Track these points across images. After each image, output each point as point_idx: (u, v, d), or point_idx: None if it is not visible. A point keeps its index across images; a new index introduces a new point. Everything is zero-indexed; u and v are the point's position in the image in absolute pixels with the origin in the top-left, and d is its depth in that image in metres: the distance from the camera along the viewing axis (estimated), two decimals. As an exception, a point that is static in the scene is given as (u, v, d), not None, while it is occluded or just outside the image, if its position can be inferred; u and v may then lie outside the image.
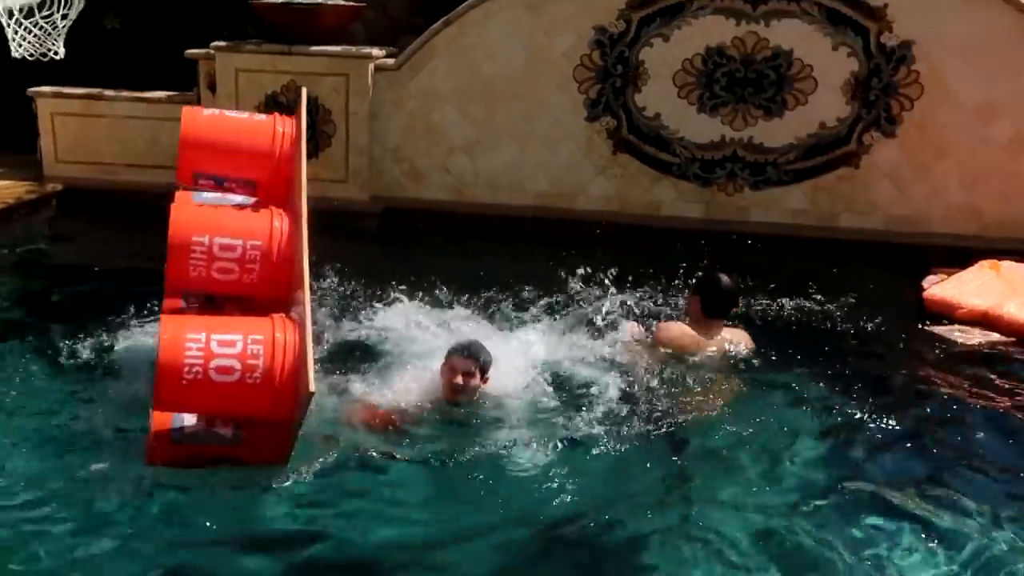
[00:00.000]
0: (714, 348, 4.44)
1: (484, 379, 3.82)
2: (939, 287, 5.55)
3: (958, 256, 6.60)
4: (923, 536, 3.06)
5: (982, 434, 3.95)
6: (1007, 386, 4.48)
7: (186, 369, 2.83)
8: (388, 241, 7.09)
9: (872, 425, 3.93)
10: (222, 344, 2.89)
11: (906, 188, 7.01)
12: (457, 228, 7.16)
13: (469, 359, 3.76)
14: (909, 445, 3.84)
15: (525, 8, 6.99)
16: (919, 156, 6.92)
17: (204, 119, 3.76)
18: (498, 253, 6.54)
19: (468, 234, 7.07)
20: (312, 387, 2.76)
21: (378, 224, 7.31)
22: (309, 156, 7.29)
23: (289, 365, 2.89)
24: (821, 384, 4.34)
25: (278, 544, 2.99)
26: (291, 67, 7.21)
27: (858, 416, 4.00)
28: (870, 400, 4.14)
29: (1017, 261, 5.94)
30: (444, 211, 7.34)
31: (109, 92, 7.72)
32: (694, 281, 4.77)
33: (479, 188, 7.42)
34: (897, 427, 3.93)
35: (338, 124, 7.27)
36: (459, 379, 3.74)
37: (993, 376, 4.60)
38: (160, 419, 3.06)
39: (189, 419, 3.09)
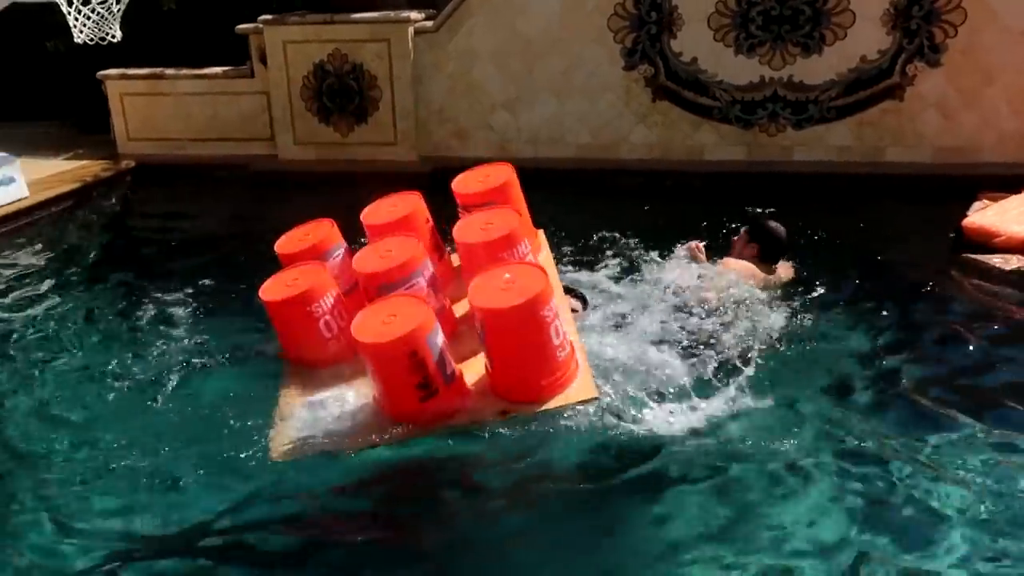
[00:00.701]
0: (774, 281, 4.70)
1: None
2: (979, 215, 5.48)
3: (1012, 184, 6.51)
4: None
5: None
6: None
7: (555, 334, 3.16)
8: (439, 199, 7.34)
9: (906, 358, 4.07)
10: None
11: (954, 117, 6.86)
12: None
13: None
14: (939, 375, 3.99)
15: (556, -39, 7.07)
16: (966, 84, 6.75)
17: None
18: (545, 205, 6.73)
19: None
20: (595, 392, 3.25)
21: (428, 183, 7.56)
22: (359, 122, 7.71)
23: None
24: (864, 319, 4.46)
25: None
26: (335, 35, 7.48)
27: (894, 349, 4.16)
28: (904, 332, 4.32)
29: None
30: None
31: (170, 71, 8.15)
32: (747, 228, 4.87)
33: (522, 143, 7.60)
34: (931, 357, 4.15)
35: (384, 88, 7.53)
36: None
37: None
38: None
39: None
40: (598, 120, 7.43)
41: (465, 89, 7.54)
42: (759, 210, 5.68)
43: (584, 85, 7.36)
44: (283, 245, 3.92)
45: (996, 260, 5.14)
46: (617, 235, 5.47)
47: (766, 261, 4.74)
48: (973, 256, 5.24)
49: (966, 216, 5.58)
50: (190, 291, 5.04)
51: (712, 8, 6.97)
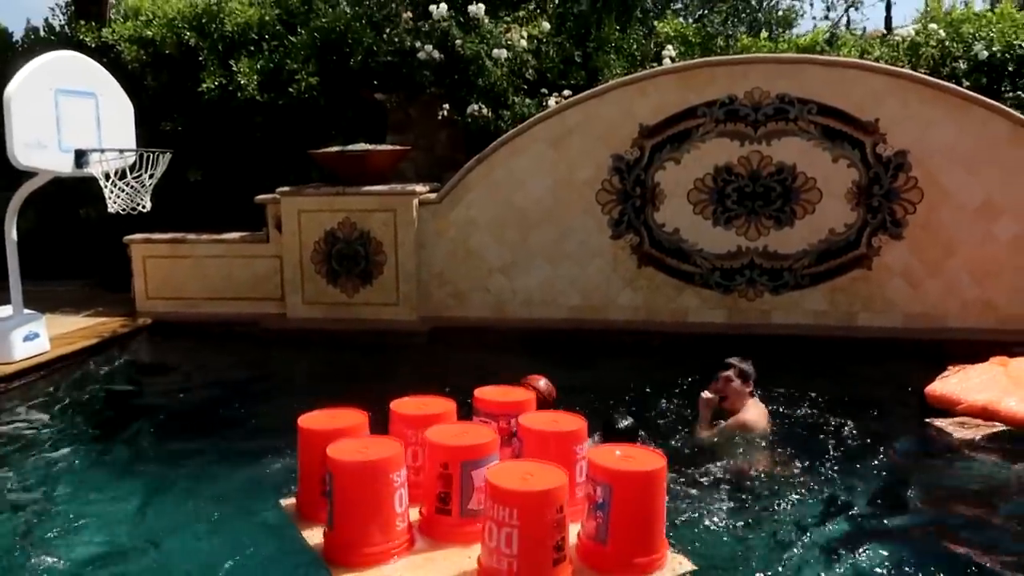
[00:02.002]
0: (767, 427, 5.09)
1: None
2: (940, 383, 5.71)
3: (977, 350, 6.88)
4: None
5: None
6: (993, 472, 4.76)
7: None
8: (435, 355, 7.74)
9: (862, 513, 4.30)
10: None
11: (920, 286, 7.35)
12: (499, 342, 7.78)
13: None
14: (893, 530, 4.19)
15: (548, 144, 7.80)
16: (928, 255, 7.30)
17: None
18: (536, 363, 7.12)
19: (509, 347, 7.68)
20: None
21: (426, 341, 7.99)
22: (364, 284, 8.21)
23: None
24: (824, 474, 4.71)
25: None
26: (345, 205, 8.13)
27: (850, 504, 4.39)
28: (860, 489, 4.54)
29: None
30: (486, 327, 7.98)
31: (191, 236, 8.77)
32: (732, 371, 5.17)
33: (517, 305, 8.08)
34: (885, 517, 4.33)
35: (388, 254, 8.10)
36: None
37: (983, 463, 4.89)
38: None
39: None
40: (588, 284, 7.95)
41: (464, 255, 8.12)
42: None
43: (575, 252, 7.93)
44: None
45: (953, 427, 5.33)
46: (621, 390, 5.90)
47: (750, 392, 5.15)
48: (936, 422, 5.43)
49: (929, 384, 5.79)
50: (198, 448, 5.28)
51: (691, 185, 7.63)
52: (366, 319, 8.15)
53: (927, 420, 5.50)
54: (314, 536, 3.54)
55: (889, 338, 7.24)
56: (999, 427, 5.26)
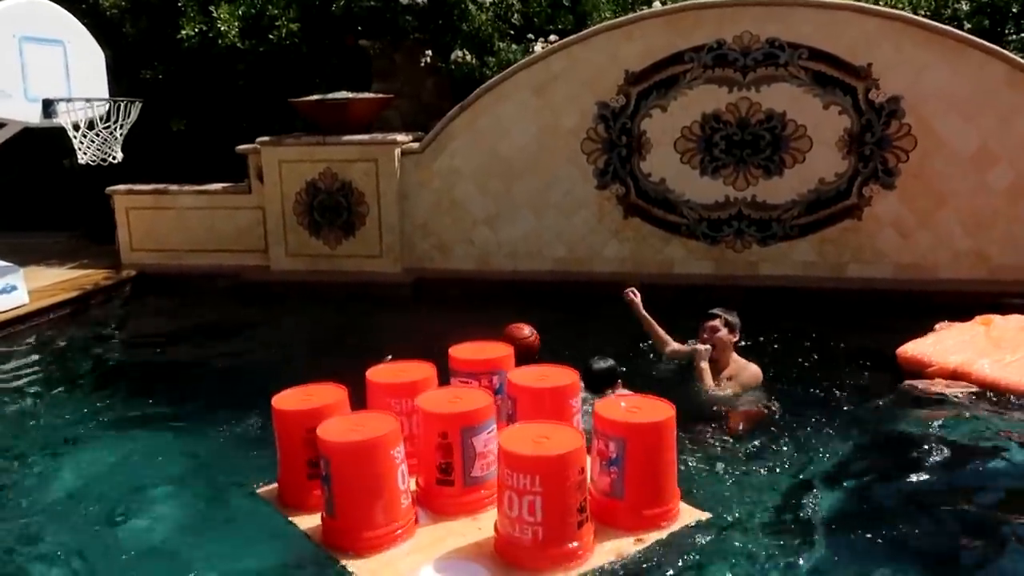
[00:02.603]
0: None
1: None
2: (914, 344, 5.45)
3: (967, 301, 6.75)
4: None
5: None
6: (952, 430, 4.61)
7: None
8: (420, 309, 7.65)
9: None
10: None
11: (910, 236, 7.18)
12: (483, 295, 7.67)
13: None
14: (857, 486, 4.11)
15: (532, 91, 7.59)
16: (920, 205, 7.10)
17: None
18: (521, 316, 7.03)
19: (493, 300, 7.58)
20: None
21: (411, 294, 7.89)
22: (347, 235, 8.10)
23: None
24: (800, 430, 4.60)
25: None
26: (326, 155, 7.98)
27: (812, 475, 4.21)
28: (828, 447, 4.42)
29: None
30: (470, 279, 7.88)
31: (173, 187, 8.65)
32: (719, 320, 5.09)
33: (502, 257, 7.96)
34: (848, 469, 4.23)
35: (371, 205, 7.96)
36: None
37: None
38: None
39: None
40: (573, 235, 7.80)
41: (448, 206, 7.97)
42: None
43: (560, 203, 7.77)
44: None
45: (924, 387, 5.11)
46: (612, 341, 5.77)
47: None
48: (910, 383, 5.18)
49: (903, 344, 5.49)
50: (175, 410, 5.20)
51: (678, 133, 7.43)
52: (349, 271, 8.05)
53: (904, 382, 5.24)
54: (304, 523, 3.38)
55: (879, 289, 7.10)
56: (970, 388, 5.03)
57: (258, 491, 3.75)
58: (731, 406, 4.82)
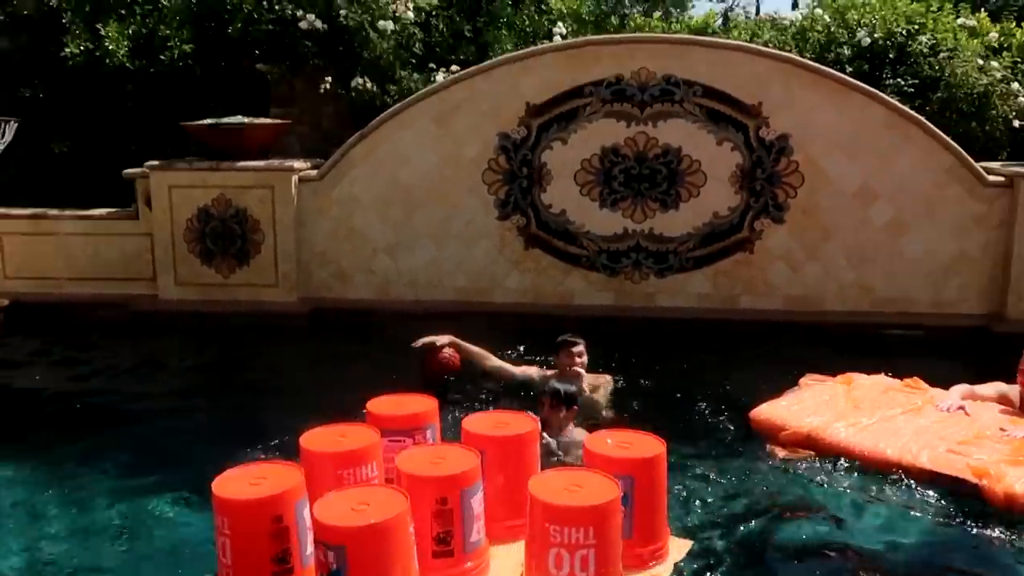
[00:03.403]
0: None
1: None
2: (768, 406, 5.10)
3: (852, 332, 7.05)
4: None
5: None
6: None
7: None
8: (316, 339, 7.45)
9: None
10: None
11: (800, 269, 7.44)
12: (382, 324, 7.54)
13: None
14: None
15: (433, 120, 7.56)
16: (808, 239, 7.38)
17: None
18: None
19: (393, 329, 7.45)
20: None
21: (307, 324, 7.68)
22: (240, 264, 7.85)
23: None
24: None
25: None
26: (220, 181, 7.72)
27: None
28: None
29: (872, 372, 5.58)
30: (370, 309, 7.73)
31: (53, 211, 8.19)
32: (584, 342, 5.42)
33: (402, 286, 7.85)
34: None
35: (266, 232, 7.73)
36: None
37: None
38: None
39: None
40: (474, 266, 7.77)
41: (347, 234, 7.82)
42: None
43: (461, 233, 7.73)
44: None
45: (779, 450, 4.80)
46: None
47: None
48: (773, 449, 4.86)
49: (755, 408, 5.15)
50: (51, 449, 4.88)
51: (578, 166, 7.51)
52: (243, 301, 7.78)
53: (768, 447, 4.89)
54: None
55: (770, 321, 7.31)
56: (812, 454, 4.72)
57: None
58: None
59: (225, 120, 7.81)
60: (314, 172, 7.80)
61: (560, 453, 4.39)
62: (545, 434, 4.30)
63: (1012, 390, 5.09)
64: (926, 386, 5.36)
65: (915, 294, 7.30)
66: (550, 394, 4.63)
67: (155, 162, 7.84)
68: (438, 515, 2.99)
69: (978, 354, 6.68)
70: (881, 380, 5.48)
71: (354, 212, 7.79)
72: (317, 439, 3.29)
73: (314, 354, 6.99)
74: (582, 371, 5.45)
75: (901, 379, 5.44)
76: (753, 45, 7.56)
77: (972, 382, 5.31)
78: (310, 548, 2.93)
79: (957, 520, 4.02)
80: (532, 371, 5.80)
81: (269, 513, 2.83)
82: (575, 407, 4.68)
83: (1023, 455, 4.29)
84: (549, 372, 5.63)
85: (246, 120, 7.84)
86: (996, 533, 3.89)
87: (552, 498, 2.82)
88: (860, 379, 5.46)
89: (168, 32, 8.57)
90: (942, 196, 7.17)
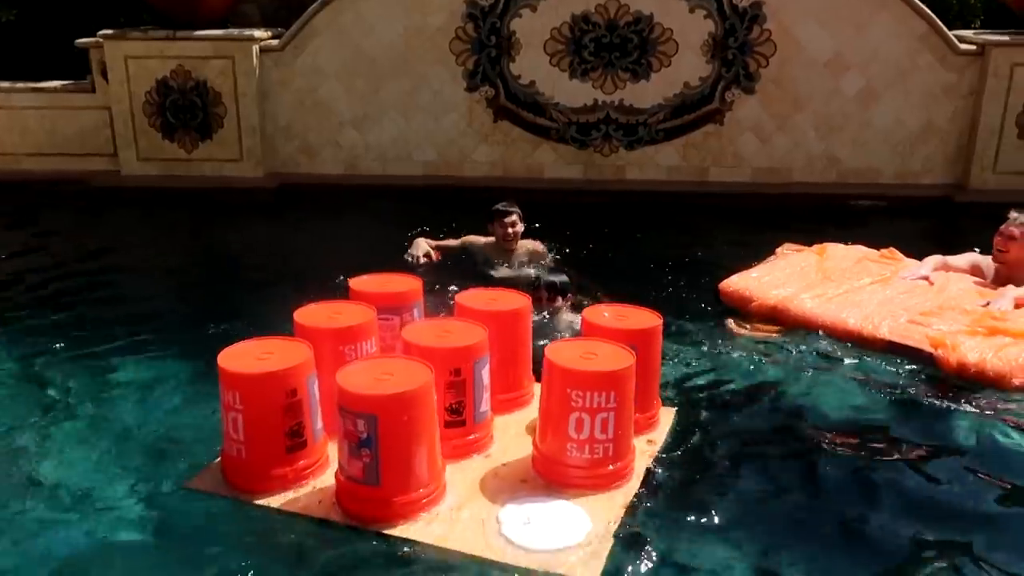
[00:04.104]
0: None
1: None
2: (738, 278, 5.09)
3: (817, 203, 7.12)
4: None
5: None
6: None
7: None
8: (283, 215, 7.40)
9: None
10: None
11: (768, 141, 7.43)
12: (351, 199, 7.49)
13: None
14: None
15: (398, -15, 7.29)
16: (778, 110, 7.34)
17: None
18: (392, 220, 6.93)
19: (362, 204, 7.42)
20: None
21: (273, 199, 7.60)
22: (203, 138, 7.68)
23: None
24: None
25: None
26: (178, 52, 7.44)
27: None
28: None
29: (853, 243, 5.56)
30: (337, 184, 7.66)
31: (5, 84, 7.90)
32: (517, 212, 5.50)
33: (370, 160, 7.75)
34: None
35: (228, 105, 7.53)
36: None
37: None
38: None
39: None
40: (443, 139, 7.66)
41: (312, 106, 7.64)
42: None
43: (429, 105, 7.59)
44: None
45: (737, 327, 4.79)
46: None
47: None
48: (732, 323, 4.85)
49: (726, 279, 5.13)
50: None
51: (548, 35, 7.33)
52: (208, 176, 7.65)
53: (728, 321, 4.89)
54: (277, 502, 2.87)
55: (737, 193, 7.36)
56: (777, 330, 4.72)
57: (188, 484, 3.09)
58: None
59: (180, -15, 7.46)
60: (275, 42, 7.54)
61: (560, 332, 4.48)
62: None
63: (985, 261, 5.11)
64: (902, 256, 5.37)
65: (881, 165, 7.35)
66: (546, 286, 4.67)
67: (109, 31, 7.51)
68: (451, 386, 3.03)
69: (940, 223, 6.82)
70: (856, 250, 5.47)
71: (319, 84, 7.59)
72: (312, 315, 3.26)
73: (287, 230, 6.96)
74: (515, 240, 5.59)
75: (877, 249, 5.46)
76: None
77: (943, 252, 5.35)
78: (319, 423, 2.99)
79: (913, 389, 4.18)
80: (470, 238, 5.92)
81: (284, 386, 2.83)
82: (570, 295, 4.73)
83: (981, 326, 4.41)
84: (483, 239, 5.76)
85: (202, -15, 7.50)
86: (948, 402, 4.06)
87: (573, 364, 2.86)
88: (835, 249, 5.45)
89: None
90: (913, 65, 7.12)
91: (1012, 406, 3.90)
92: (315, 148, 7.75)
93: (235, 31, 7.52)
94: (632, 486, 3.00)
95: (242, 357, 2.91)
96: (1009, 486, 3.31)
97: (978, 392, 4.02)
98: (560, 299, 4.67)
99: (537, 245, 5.77)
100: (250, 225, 7.08)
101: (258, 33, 7.50)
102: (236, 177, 7.62)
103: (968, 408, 3.89)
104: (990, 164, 7.10)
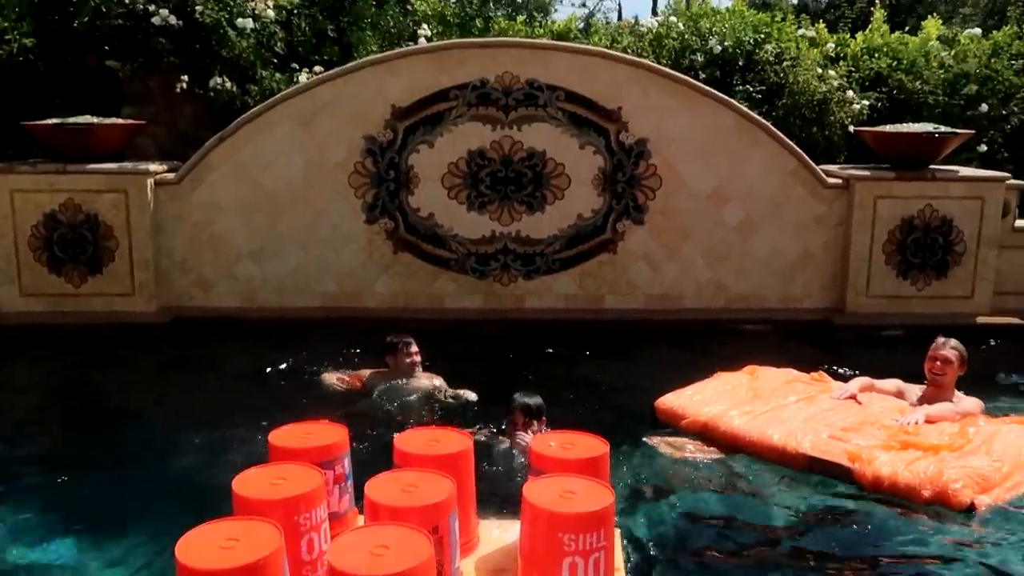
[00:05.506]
0: None
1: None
2: (673, 396, 5.41)
3: (709, 329, 7.41)
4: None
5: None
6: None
7: None
8: (177, 349, 7.18)
9: None
10: None
11: (659, 269, 7.75)
12: (248, 333, 7.36)
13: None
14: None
15: (297, 123, 7.42)
16: (667, 240, 7.70)
17: None
18: (288, 353, 6.83)
19: (259, 338, 7.29)
20: None
21: (167, 334, 7.39)
22: (92, 272, 7.46)
23: None
24: None
25: None
26: (68, 185, 7.31)
27: None
28: None
29: (781, 366, 5.89)
30: (234, 317, 7.51)
31: None
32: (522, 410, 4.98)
33: (268, 293, 7.67)
34: None
35: (120, 239, 7.38)
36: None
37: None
38: None
39: None
40: (343, 270, 7.68)
41: (208, 239, 7.57)
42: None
43: (328, 237, 7.63)
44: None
45: (664, 447, 5.04)
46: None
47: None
48: (651, 439, 5.14)
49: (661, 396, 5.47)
50: None
51: (445, 169, 7.56)
52: (97, 311, 7.40)
53: (651, 436, 5.18)
54: None
55: (632, 320, 7.60)
56: (709, 452, 4.98)
57: None
58: None
59: (72, 120, 7.39)
60: (171, 175, 7.51)
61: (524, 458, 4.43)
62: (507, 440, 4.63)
63: (909, 387, 5.50)
64: (829, 379, 5.72)
65: (765, 291, 7.75)
66: (521, 409, 4.67)
67: (-6, 165, 7.34)
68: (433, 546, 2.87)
69: (822, 344, 7.18)
70: (786, 373, 5.76)
71: (216, 217, 7.55)
72: (255, 485, 2.79)
73: (182, 368, 6.77)
74: (418, 367, 5.84)
75: (807, 372, 5.80)
76: (613, 51, 7.80)
77: (827, 371, 5.83)
78: None
79: (834, 504, 4.38)
80: (365, 373, 6.03)
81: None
82: (543, 417, 4.70)
83: (895, 440, 4.68)
84: (381, 371, 5.94)
85: (95, 120, 7.45)
86: (867, 514, 4.26)
87: (563, 507, 2.75)
88: (765, 372, 5.76)
89: (6, 24, 8.03)
90: (787, 198, 7.64)
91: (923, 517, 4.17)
92: (211, 282, 7.64)
93: (129, 165, 7.47)
94: None
95: (207, 550, 2.41)
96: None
97: (896, 506, 4.28)
98: (535, 422, 4.63)
99: (433, 376, 5.92)
100: (142, 362, 6.85)
101: (153, 167, 7.47)
102: (127, 312, 7.40)
103: (885, 521, 4.10)
104: (863, 289, 7.58)
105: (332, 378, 6.11)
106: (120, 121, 7.70)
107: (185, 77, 8.12)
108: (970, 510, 4.23)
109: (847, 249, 7.59)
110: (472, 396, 5.66)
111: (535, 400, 4.79)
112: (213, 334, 7.26)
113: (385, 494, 2.80)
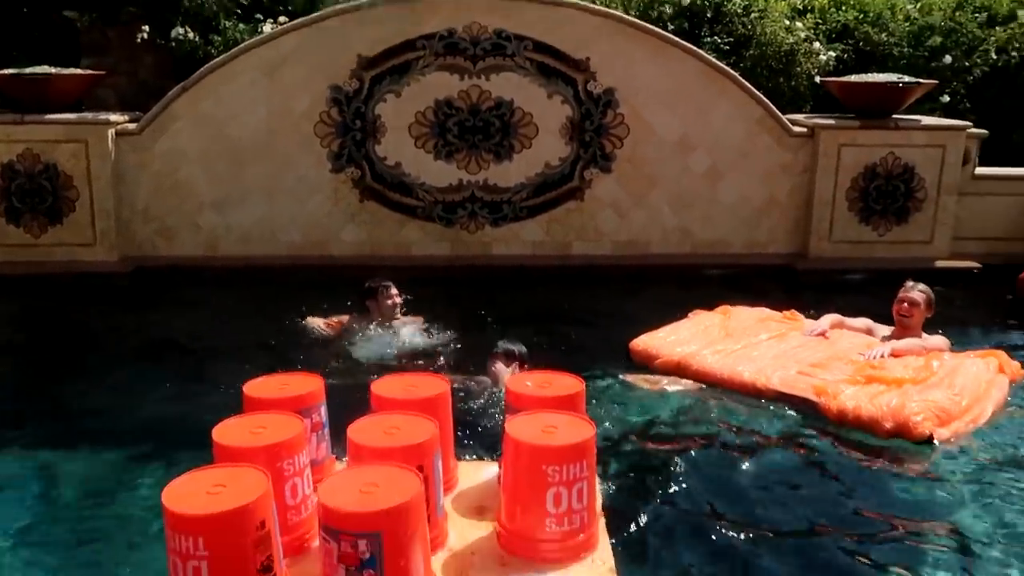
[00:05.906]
0: None
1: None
2: (647, 337, 5.50)
3: (674, 274, 7.46)
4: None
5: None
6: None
7: None
8: (137, 300, 7.10)
9: None
10: None
11: (627, 216, 7.78)
12: (211, 282, 7.30)
13: None
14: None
15: (261, 72, 7.32)
16: (634, 187, 7.72)
17: None
18: (252, 303, 6.79)
19: (222, 286, 7.23)
20: None
21: (129, 284, 7.30)
22: (52, 223, 7.36)
23: None
24: None
25: None
26: (26, 135, 7.17)
27: None
28: None
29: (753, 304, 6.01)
30: (197, 267, 7.45)
31: None
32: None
33: (232, 242, 7.61)
34: None
35: (81, 189, 7.27)
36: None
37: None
38: None
39: None
40: (308, 220, 7.63)
41: (171, 188, 7.48)
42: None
43: (294, 187, 7.57)
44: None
45: (642, 382, 5.12)
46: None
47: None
48: (627, 376, 5.22)
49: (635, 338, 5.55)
50: None
51: (412, 118, 7.51)
52: (58, 261, 7.31)
53: (626, 375, 5.26)
54: None
55: (599, 265, 7.64)
56: (685, 384, 5.08)
57: None
58: None
59: (29, 70, 7.24)
60: (133, 125, 7.39)
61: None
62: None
63: (879, 327, 5.64)
64: (801, 317, 5.86)
65: (731, 237, 7.82)
66: (504, 354, 4.72)
67: (-51, 114, 7.19)
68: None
69: (786, 289, 7.26)
70: (759, 312, 5.90)
71: (179, 167, 7.46)
72: (235, 433, 2.77)
73: (147, 316, 6.71)
74: (399, 308, 5.86)
75: (780, 311, 5.92)
76: (581, 2, 7.77)
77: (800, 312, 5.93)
78: (280, 549, 2.56)
79: (802, 437, 4.48)
80: (346, 318, 6.00)
81: (254, 520, 2.39)
82: (526, 364, 4.69)
83: (861, 375, 4.78)
84: (364, 316, 5.90)
85: (53, 70, 7.31)
86: (831, 447, 4.36)
87: (546, 440, 2.77)
88: (739, 311, 5.88)
89: (-42, -27, 7.84)
90: (753, 146, 7.68)
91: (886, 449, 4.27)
92: (173, 230, 7.56)
93: (89, 115, 7.35)
94: (604, 551, 2.85)
95: (194, 496, 2.40)
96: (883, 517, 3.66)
97: (857, 437, 4.38)
98: (518, 367, 4.64)
99: (416, 319, 5.93)
100: (105, 312, 6.78)
101: (114, 117, 7.35)
102: (88, 261, 7.30)
103: (848, 453, 4.22)
104: (826, 234, 7.67)
105: (318, 323, 6.00)
106: (79, 71, 7.57)
107: (146, 27, 8.00)
108: (929, 442, 4.32)
109: (811, 196, 7.66)
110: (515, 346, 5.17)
111: (518, 346, 4.83)
112: (176, 283, 7.21)
113: (369, 436, 2.80)
